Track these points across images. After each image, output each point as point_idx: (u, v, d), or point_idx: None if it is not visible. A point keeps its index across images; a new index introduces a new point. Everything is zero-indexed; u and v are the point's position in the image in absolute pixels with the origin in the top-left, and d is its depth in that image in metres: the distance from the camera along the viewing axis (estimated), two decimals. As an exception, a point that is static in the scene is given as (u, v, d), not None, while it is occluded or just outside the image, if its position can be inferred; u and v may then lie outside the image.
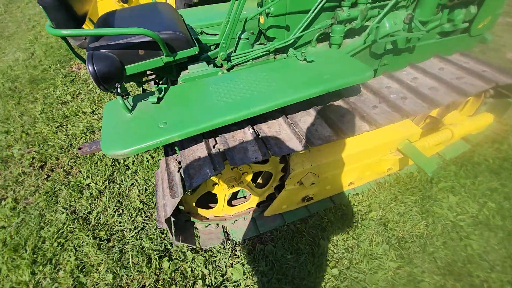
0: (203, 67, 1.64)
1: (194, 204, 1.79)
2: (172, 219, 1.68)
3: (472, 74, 1.74)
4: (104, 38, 1.41)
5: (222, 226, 1.99)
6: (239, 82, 1.45)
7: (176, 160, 1.48)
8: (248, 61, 1.94)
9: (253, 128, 1.48)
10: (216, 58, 1.84)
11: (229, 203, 2.06)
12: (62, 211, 2.17)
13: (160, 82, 2.13)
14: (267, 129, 1.49)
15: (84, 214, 2.15)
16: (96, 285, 1.75)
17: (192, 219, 1.77)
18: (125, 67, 1.42)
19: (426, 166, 1.72)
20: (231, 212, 2.00)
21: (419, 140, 1.88)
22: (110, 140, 1.19)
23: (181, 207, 1.64)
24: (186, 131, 1.19)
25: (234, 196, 2.15)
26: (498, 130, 2.57)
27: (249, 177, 1.81)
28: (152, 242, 1.92)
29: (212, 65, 1.79)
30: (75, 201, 2.25)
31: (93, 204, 2.23)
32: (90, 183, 2.37)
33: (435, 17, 2.34)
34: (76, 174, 2.50)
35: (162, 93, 1.41)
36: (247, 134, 1.44)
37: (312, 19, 1.94)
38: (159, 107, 1.34)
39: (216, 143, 1.43)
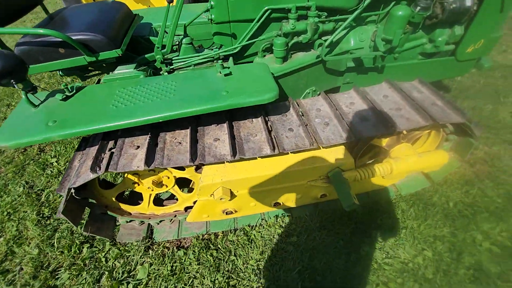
0: (129, 68, 1.68)
1: (114, 199, 1.86)
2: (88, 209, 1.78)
3: (414, 106, 1.54)
4: (29, 35, 1.52)
5: (149, 224, 2.04)
6: (146, 89, 1.46)
7: (83, 155, 1.56)
8: (190, 66, 1.94)
9: (152, 137, 1.49)
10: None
11: (160, 202, 2.11)
12: (22, 184, 2.41)
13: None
14: (169, 138, 1.49)
15: (38, 190, 2.36)
16: (24, 256, 1.92)
17: (110, 213, 1.85)
18: (44, 64, 1.52)
19: (344, 199, 1.59)
20: (158, 212, 2.05)
21: (352, 170, 1.73)
22: (3, 131, 1.29)
23: (92, 201, 1.72)
24: (67, 133, 1.24)
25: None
26: (479, 171, 2.26)
27: (171, 181, 1.83)
28: (81, 228, 2.05)
29: (147, 67, 1.82)
30: (36, 177, 2.47)
31: (50, 182, 2.43)
32: (54, 162, 2.58)
33: (412, 36, 2.12)
34: (48, 152, 2.73)
35: (74, 91, 1.48)
36: (145, 141, 1.45)
37: (258, 29, 1.87)
38: (62, 105, 1.41)
39: (115, 146, 1.47)
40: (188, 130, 1.51)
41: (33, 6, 1.73)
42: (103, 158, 1.39)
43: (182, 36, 1.88)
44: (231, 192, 1.75)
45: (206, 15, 1.88)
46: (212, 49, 2.06)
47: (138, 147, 1.42)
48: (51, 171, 2.51)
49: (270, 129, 1.55)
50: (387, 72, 2.19)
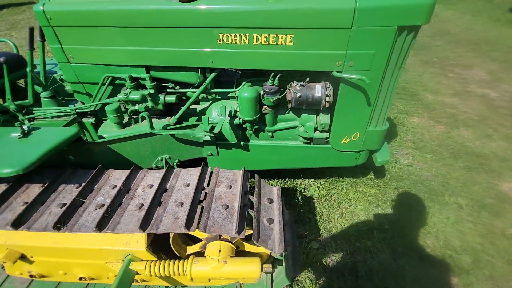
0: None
1: None
2: None
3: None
4: None
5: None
6: None
7: None
8: (47, 118, 2.00)
9: None
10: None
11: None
12: None
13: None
14: None
15: None
16: None
17: None
18: None
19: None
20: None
21: (146, 262, 1.50)
22: None
23: None
24: None
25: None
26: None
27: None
28: None
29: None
30: None
31: None
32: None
33: (281, 117, 1.93)
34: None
35: None
36: None
37: (113, 91, 1.88)
38: None
39: None
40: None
41: None
42: None
43: (42, 89, 1.97)
44: (24, 256, 1.63)
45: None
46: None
47: None
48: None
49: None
50: (255, 150, 1.98)
